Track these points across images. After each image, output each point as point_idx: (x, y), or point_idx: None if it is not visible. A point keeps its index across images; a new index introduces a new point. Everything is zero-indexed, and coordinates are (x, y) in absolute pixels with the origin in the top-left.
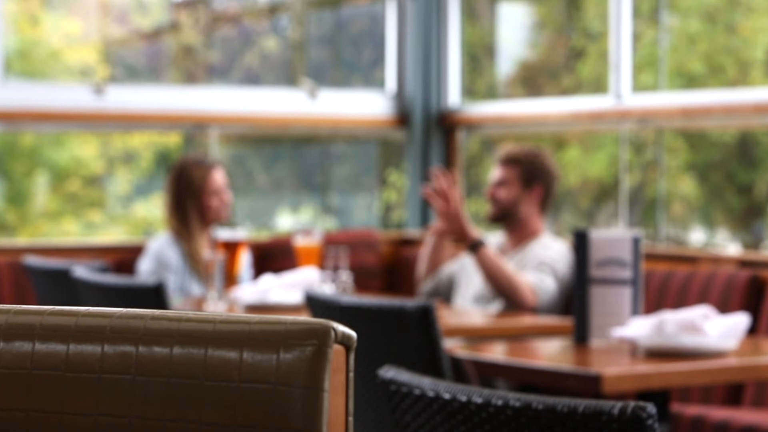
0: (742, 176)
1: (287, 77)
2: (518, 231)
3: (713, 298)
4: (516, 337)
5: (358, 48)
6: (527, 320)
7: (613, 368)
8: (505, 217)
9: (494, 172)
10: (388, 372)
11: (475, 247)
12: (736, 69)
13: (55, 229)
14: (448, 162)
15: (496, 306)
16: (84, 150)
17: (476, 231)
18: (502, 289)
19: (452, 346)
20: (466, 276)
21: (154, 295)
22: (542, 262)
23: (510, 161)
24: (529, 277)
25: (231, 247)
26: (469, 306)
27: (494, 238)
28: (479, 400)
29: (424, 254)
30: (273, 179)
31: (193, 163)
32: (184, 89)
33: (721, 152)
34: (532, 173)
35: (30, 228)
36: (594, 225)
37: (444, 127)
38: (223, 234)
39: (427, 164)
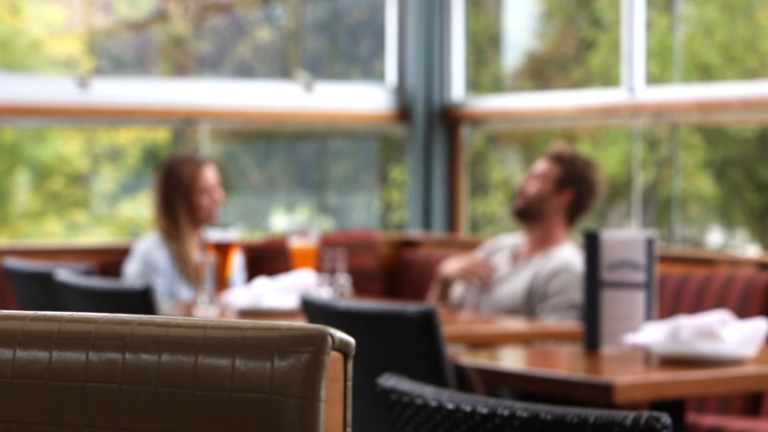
0: (763, 173)
1: (282, 69)
2: (538, 233)
3: (731, 302)
4: (523, 344)
5: (357, 38)
6: (535, 326)
7: (625, 376)
8: (528, 213)
9: (538, 165)
10: (389, 380)
11: None
12: (756, 60)
13: (37, 230)
14: (452, 159)
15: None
16: (67, 146)
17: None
18: None
19: (456, 352)
20: (499, 280)
21: (142, 300)
22: (571, 305)
23: (555, 158)
24: (553, 321)
25: (223, 249)
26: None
27: (511, 239)
28: (484, 410)
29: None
30: (267, 177)
31: (182, 159)
32: (173, 82)
33: (740, 148)
34: (569, 176)
35: (11, 229)
36: (605, 225)
37: (447, 122)
38: (215, 235)
39: (429, 161)
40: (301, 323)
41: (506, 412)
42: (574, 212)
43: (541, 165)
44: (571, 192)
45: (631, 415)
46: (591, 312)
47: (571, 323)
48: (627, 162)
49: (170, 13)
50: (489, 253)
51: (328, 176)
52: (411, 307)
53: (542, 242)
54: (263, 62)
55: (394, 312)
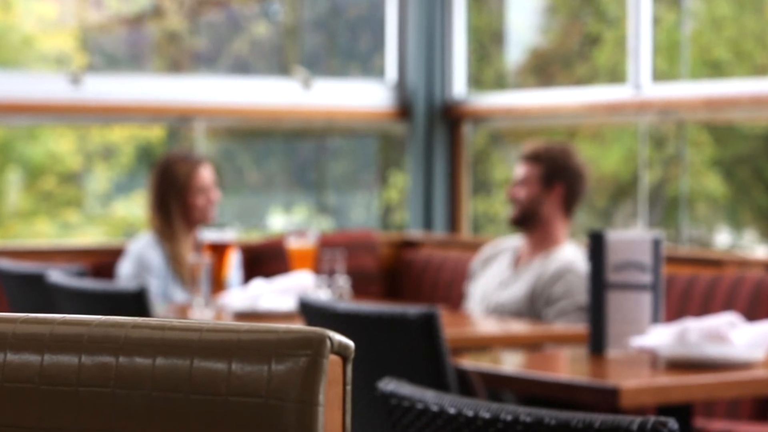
0: None
1: (279, 66)
2: (538, 235)
3: (740, 304)
4: (527, 347)
5: (356, 34)
6: (538, 328)
7: (631, 380)
8: (526, 219)
9: (517, 170)
10: (389, 384)
11: None
12: (766, 56)
13: (29, 230)
14: (454, 158)
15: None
16: (60, 144)
17: None
18: None
19: (458, 356)
20: (501, 284)
21: (136, 302)
22: (578, 307)
23: (532, 158)
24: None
25: (219, 250)
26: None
27: (511, 242)
28: (487, 415)
29: None
30: (264, 176)
31: (177, 158)
32: (168, 79)
33: (749, 146)
34: (553, 171)
35: (1, 229)
36: (611, 225)
37: (449, 119)
38: (210, 235)
39: (430, 160)
40: (299, 326)
41: (509, 417)
42: (570, 204)
43: (521, 169)
44: (561, 185)
45: (638, 419)
46: (596, 314)
47: (578, 326)
48: (633, 160)
49: (165, 8)
50: (488, 257)
51: (327, 175)
52: (412, 309)
53: (543, 244)
54: (260, 58)
55: (395, 314)
